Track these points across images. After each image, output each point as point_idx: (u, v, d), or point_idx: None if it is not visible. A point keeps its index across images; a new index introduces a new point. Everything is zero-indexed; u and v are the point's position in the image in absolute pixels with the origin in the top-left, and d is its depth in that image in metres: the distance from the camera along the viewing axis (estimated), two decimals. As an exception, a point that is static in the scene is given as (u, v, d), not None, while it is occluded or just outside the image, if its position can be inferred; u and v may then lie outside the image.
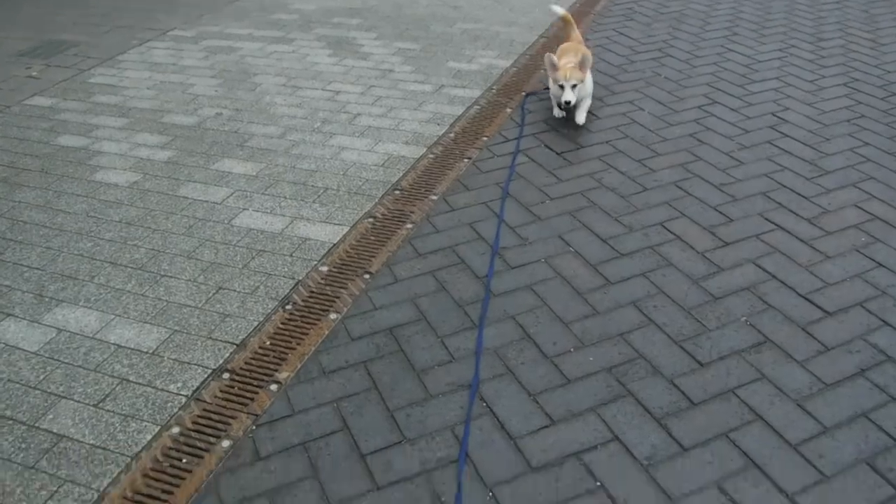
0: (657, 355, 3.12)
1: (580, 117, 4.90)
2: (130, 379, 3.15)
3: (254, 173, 4.67)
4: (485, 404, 2.93)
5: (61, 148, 5.10)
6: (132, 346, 3.32)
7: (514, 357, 3.15)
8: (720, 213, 4.06)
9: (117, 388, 3.11)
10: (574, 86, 4.66)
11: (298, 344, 3.28)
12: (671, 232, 3.90)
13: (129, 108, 5.64)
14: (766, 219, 3.99)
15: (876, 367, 3.02)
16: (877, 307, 3.34)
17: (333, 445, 2.80)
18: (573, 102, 4.70)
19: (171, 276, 3.76)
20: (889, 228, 3.87)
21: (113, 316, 3.50)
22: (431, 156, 4.79)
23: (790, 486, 2.56)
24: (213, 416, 2.97)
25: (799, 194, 4.20)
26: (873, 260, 3.64)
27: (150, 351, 3.29)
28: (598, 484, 2.60)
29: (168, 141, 5.13)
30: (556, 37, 6.46)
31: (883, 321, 3.25)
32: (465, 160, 4.71)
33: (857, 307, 3.35)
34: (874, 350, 3.09)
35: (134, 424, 2.95)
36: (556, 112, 5.01)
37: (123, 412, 3.00)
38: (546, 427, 2.82)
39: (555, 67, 4.69)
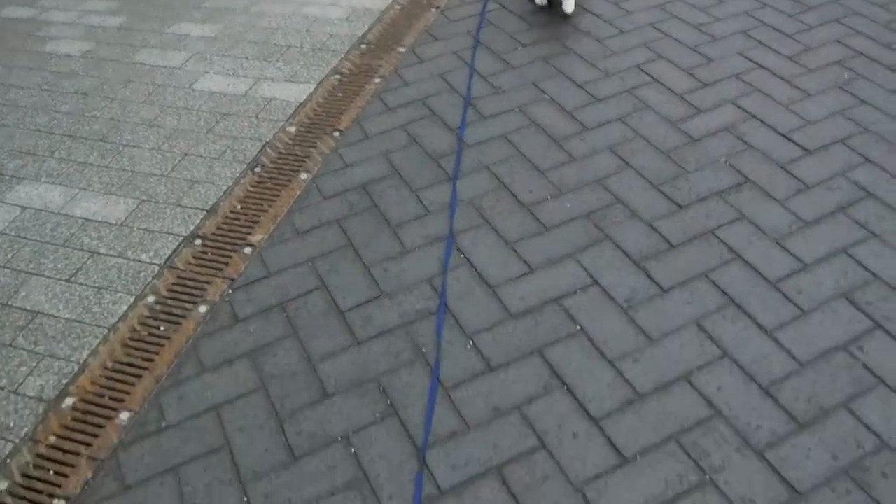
0: (635, 199, 3.06)
1: (568, 5, 4.04)
2: (101, 251, 3.07)
3: (212, 35, 4.43)
4: (462, 255, 2.88)
5: (7, 20, 4.80)
6: (99, 219, 3.22)
7: (489, 207, 3.08)
8: (699, 53, 3.90)
9: (88, 262, 3.03)
10: None
11: (270, 206, 3.19)
12: (648, 75, 3.76)
13: (75, -28, 5.27)
14: (746, 58, 3.84)
15: (857, 203, 2.97)
16: (859, 143, 3.26)
17: (311, 304, 2.76)
18: (571, 11, 3.85)
19: (133, 146, 3.61)
20: (872, 64, 3.74)
21: (77, 190, 3.38)
22: (398, 7, 4.54)
23: (769, 322, 2.56)
24: (187, 282, 2.92)
25: (780, 31, 4.04)
26: (856, 96, 3.53)
27: (119, 222, 3.20)
28: (579, 328, 2.59)
29: (118, 6, 4.83)
30: None
31: (864, 157, 3.18)
32: (434, 10, 4.47)
33: (838, 144, 3.27)
34: (855, 187, 3.04)
35: (108, 296, 2.90)
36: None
37: (97, 285, 2.94)
38: (525, 275, 2.79)
39: None
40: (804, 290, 2.65)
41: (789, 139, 3.31)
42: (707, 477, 2.18)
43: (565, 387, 2.43)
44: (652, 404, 2.35)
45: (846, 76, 3.67)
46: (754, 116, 3.45)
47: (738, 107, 3.51)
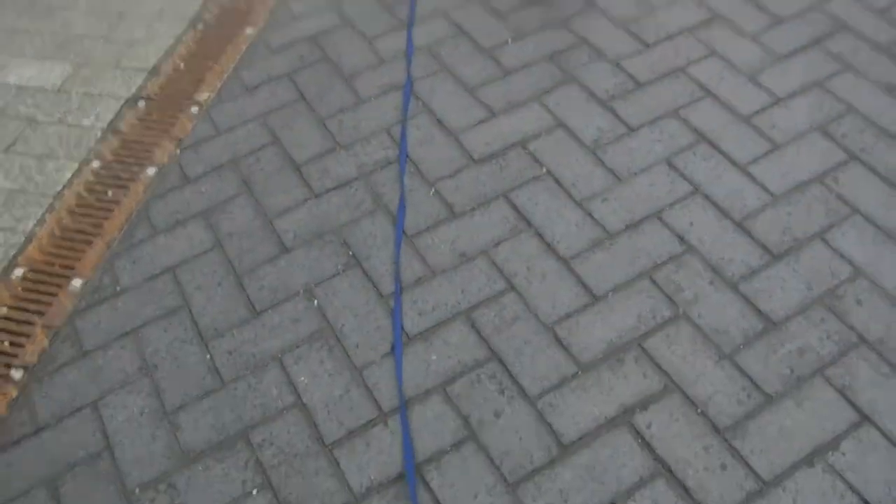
0: (601, 39, 2.89)
1: None
2: (38, 119, 2.87)
3: None
4: (421, 103, 2.73)
5: None
6: (35, 85, 3.00)
7: (448, 53, 2.90)
8: None
9: (26, 130, 2.83)
10: None
11: (215, 63, 2.98)
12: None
13: None
14: None
15: (832, 35, 2.84)
16: (833, -27, 3.09)
17: (265, 160, 2.61)
18: None
19: (64, 8, 3.33)
20: None
21: (8, 57, 3.13)
22: None
23: (742, 157, 2.47)
24: (133, 145, 2.75)
25: None
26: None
27: (56, 88, 2.98)
28: (545, 170, 2.48)
29: None
30: None
31: (838, -13, 3.02)
32: None
33: (811, -26, 3.09)
34: (829, 18, 2.90)
35: (51, 164, 2.72)
36: None
37: (37, 153, 2.76)
38: (487, 120, 2.65)
39: None
40: (777, 124, 2.55)
41: (762, -28, 3.12)
42: (680, 310, 2.13)
43: (533, 229, 2.34)
44: (623, 243, 2.28)
45: None
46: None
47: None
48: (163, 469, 1.98)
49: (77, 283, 2.39)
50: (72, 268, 2.44)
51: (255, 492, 1.92)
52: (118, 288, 2.34)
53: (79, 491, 1.96)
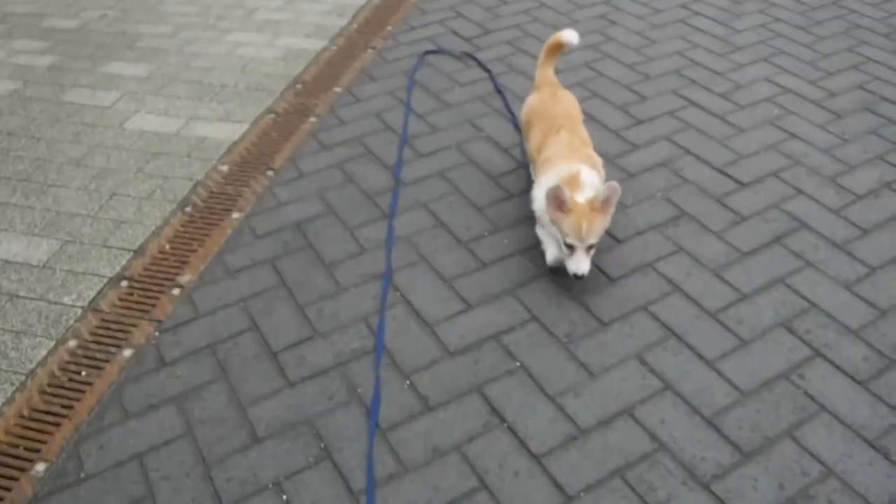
0: (574, 234, 3.02)
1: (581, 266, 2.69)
2: (20, 294, 2.90)
3: (145, 74, 4.32)
4: (399, 293, 2.80)
5: (-72, 58, 4.61)
6: (20, 261, 3.05)
7: (426, 244, 3.01)
8: (633, 91, 3.95)
9: (6, 305, 2.86)
10: (591, 247, 2.62)
11: (200, 246, 3.07)
12: (584, 112, 3.76)
13: (5, 14, 5.12)
14: (680, 95, 3.90)
15: (792, 233, 3.00)
16: (791, 176, 3.31)
17: (242, 345, 2.64)
18: (585, 272, 2.64)
19: (59, 186, 3.46)
20: (801, 100, 3.84)
21: (-3, 231, 3.21)
22: (334, 48, 4.51)
23: (710, 352, 2.53)
24: (112, 325, 2.77)
25: (712, 70, 4.12)
26: (786, 131, 3.61)
27: (41, 264, 3.03)
28: (518, 364, 2.52)
29: (50, 46, 4.69)
30: None
31: (798, 189, 3.23)
32: (370, 50, 4.45)
33: (771, 177, 3.32)
34: (789, 217, 3.07)
35: (27, 340, 2.73)
36: (551, 257, 2.80)
37: (14, 329, 2.77)
38: (463, 312, 2.72)
39: (563, 205, 2.56)
40: (744, 320, 2.64)
41: (724, 173, 3.35)
42: (653, 513, 2.11)
43: (506, 424, 2.34)
44: (595, 440, 2.28)
45: (776, 112, 3.75)
46: (689, 152, 3.49)
47: (674, 143, 3.55)
48: None
49: (40, 467, 2.34)
50: (37, 451, 2.39)
51: None
52: (82, 474, 2.29)
53: None
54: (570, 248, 2.60)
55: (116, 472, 2.29)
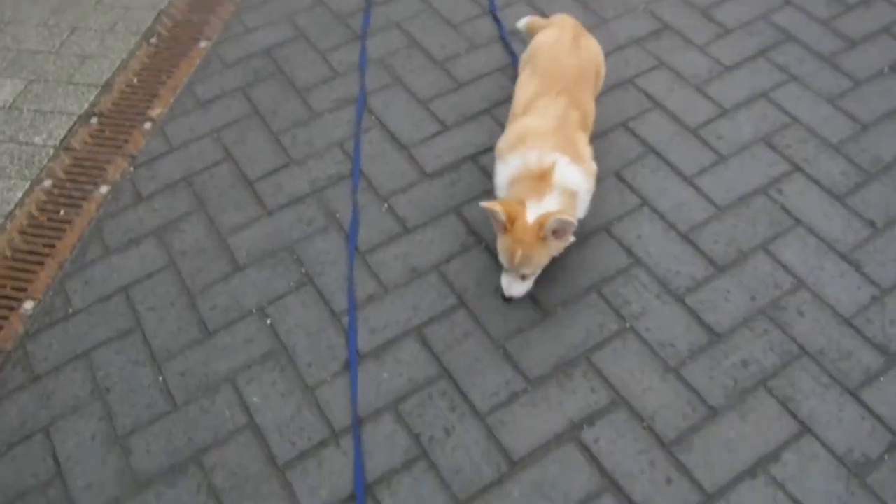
0: (553, 51, 2.86)
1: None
2: (-11, 136, 2.79)
3: None
4: (374, 117, 2.69)
5: None
6: (-14, 102, 2.91)
7: (401, 65, 2.86)
8: None
9: (-24, 149, 2.75)
10: (525, 276, 2.08)
11: (169, 77, 2.92)
12: None
13: None
14: None
15: (777, 46, 2.84)
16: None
17: (218, 176, 2.56)
18: (516, 297, 2.11)
19: (16, 23, 3.24)
20: None
21: (-43, 72, 3.04)
22: None
23: (688, 168, 2.47)
24: (85, 163, 2.68)
25: None
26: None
27: (7, 105, 2.90)
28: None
29: None
30: None
31: (786, 0, 3.02)
32: None
33: (757, -15, 3.10)
34: (775, 29, 2.90)
35: (2, 183, 2.65)
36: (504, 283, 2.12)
37: (-12, 172, 2.68)
38: (439, 133, 2.62)
39: (499, 223, 2.00)
40: (724, 135, 2.55)
41: (709, -17, 3.12)
42: (627, 325, 2.12)
43: (483, 244, 2.32)
44: (571, 256, 2.26)
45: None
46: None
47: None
48: (114, 496, 1.94)
49: (28, 305, 2.33)
50: (23, 290, 2.37)
51: (207, 516, 1.88)
52: (70, 310, 2.28)
53: (29, 519, 1.91)
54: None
55: (103, 306, 2.28)
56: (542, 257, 1.99)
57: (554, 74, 2.21)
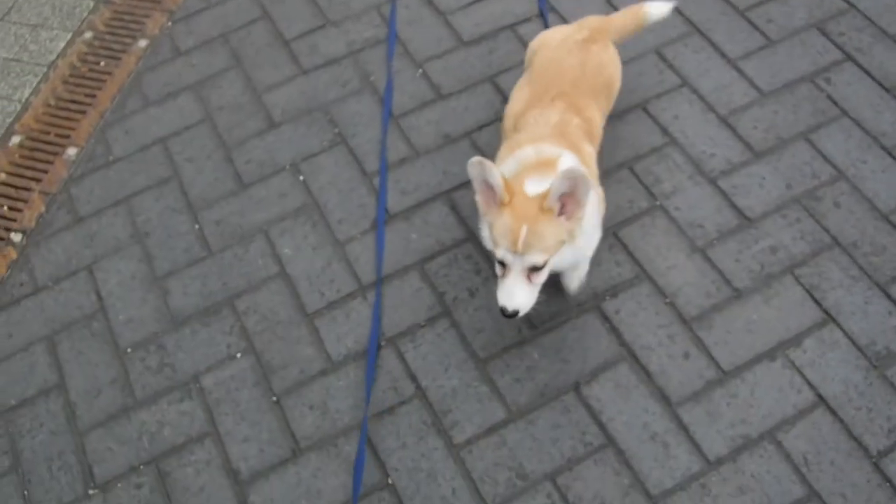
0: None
1: (573, 284, 1.91)
2: (32, -15, 2.74)
3: None
4: (412, -18, 2.59)
5: None
6: (29, -49, 2.85)
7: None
8: None
9: (20, 0, 2.72)
10: (535, 268, 1.58)
11: (210, -66, 2.82)
12: None
13: None
14: None
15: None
16: None
17: (255, 34, 2.51)
18: (521, 309, 1.61)
19: None
20: None
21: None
22: None
23: (733, 51, 2.35)
24: (125, 16, 2.64)
25: None
26: None
27: (50, -45, 2.84)
28: (536, 58, 2.37)
29: None
30: None
31: None
32: None
33: None
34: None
35: (44, 34, 2.63)
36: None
37: (31, 23, 2.66)
38: (478, 1, 2.52)
39: (493, 193, 1.55)
40: (774, 18, 2.42)
41: None
42: (658, 203, 2.08)
43: (518, 114, 2.26)
44: (606, 133, 2.19)
45: None
46: None
47: None
48: (153, 331, 2.00)
49: (72, 151, 2.35)
50: (67, 136, 2.39)
51: (238, 355, 1.94)
52: (111, 157, 2.30)
53: (75, 348, 1.99)
54: (502, 265, 1.59)
55: (143, 155, 2.29)
56: (551, 236, 1.52)
57: (550, 76, 1.81)
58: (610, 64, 1.91)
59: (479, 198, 1.56)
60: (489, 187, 1.52)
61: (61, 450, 1.85)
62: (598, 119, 1.83)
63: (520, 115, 1.77)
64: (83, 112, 2.43)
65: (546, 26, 2.33)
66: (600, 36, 1.91)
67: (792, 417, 1.76)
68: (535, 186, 1.54)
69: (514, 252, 1.52)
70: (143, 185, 2.23)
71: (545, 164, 1.59)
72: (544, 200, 1.49)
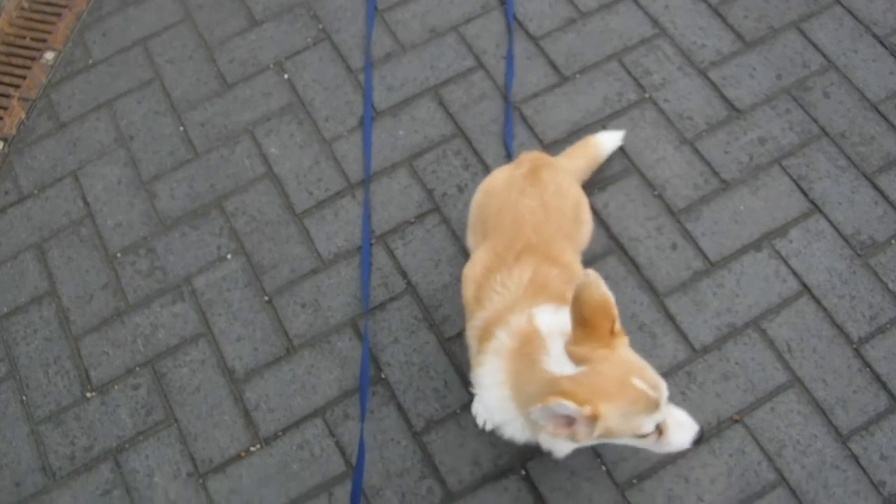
0: None
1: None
2: None
3: None
4: None
5: None
6: None
7: None
8: None
9: None
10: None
11: None
12: None
13: None
14: None
15: None
16: None
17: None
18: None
19: None
20: None
21: None
22: None
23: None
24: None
25: None
26: None
27: None
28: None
29: None
30: None
31: None
32: None
33: None
34: None
35: (16, -70, 2.39)
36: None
37: (1, -82, 2.41)
38: None
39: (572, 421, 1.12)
40: None
41: None
42: (647, 95, 1.95)
43: (504, 6, 2.09)
44: (595, 23, 2.05)
45: None
46: None
47: None
48: (142, 235, 1.89)
49: (49, 55, 2.18)
50: (43, 40, 2.21)
51: (229, 256, 1.84)
52: (90, 60, 2.13)
53: (64, 255, 1.88)
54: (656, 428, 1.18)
55: (123, 58, 2.13)
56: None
57: (506, 226, 1.41)
58: (567, 187, 1.50)
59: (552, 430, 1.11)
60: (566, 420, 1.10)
61: (57, 355, 1.77)
62: (575, 265, 1.41)
63: (482, 280, 1.37)
64: (59, 14, 2.24)
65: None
66: (544, 162, 1.52)
67: (777, 306, 1.69)
68: (549, 316, 1.23)
69: (657, 407, 1.13)
70: (125, 88, 2.07)
71: (528, 340, 1.22)
72: (618, 334, 1.14)
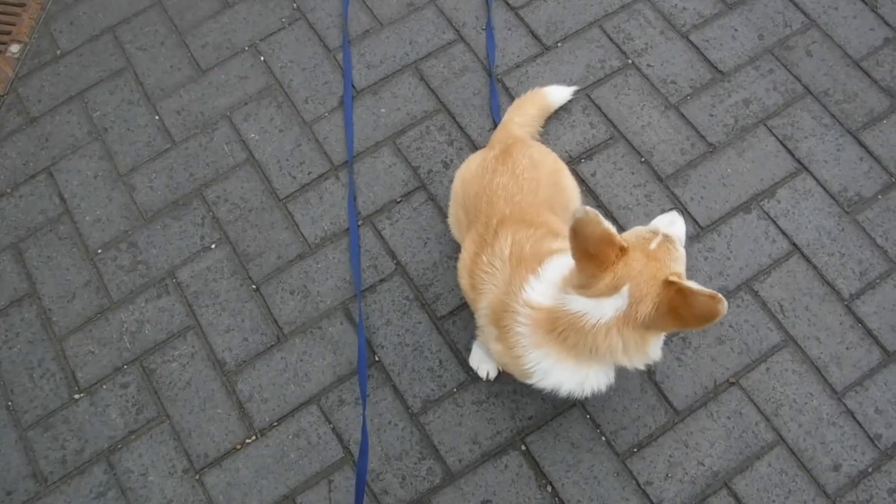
0: None
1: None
2: None
3: None
4: None
5: None
6: None
7: None
8: None
9: None
10: None
11: None
12: None
13: None
14: None
15: None
16: None
17: None
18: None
19: None
20: None
21: None
22: None
23: None
24: None
25: None
26: None
27: None
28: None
29: None
30: None
31: None
32: None
33: None
34: None
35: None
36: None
37: None
38: None
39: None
40: None
41: None
42: (629, 61, 1.90)
43: (482, -22, 2.03)
44: (572, -10, 1.98)
45: None
46: None
47: None
48: (122, 229, 1.82)
49: (15, 48, 2.08)
50: (7, 33, 2.11)
51: (213, 246, 1.78)
52: (58, 51, 2.04)
53: (43, 254, 1.81)
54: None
55: (92, 47, 2.04)
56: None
57: (483, 206, 1.39)
58: (541, 157, 1.47)
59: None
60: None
61: (41, 358, 1.70)
62: (556, 224, 1.37)
63: (472, 267, 1.35)
64: (23, 5, 2.14)
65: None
66: (516, 143, 1.49)
67: (768, 267, 1.67)
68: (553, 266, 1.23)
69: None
70: (96, 78, 1.99)
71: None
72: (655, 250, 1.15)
